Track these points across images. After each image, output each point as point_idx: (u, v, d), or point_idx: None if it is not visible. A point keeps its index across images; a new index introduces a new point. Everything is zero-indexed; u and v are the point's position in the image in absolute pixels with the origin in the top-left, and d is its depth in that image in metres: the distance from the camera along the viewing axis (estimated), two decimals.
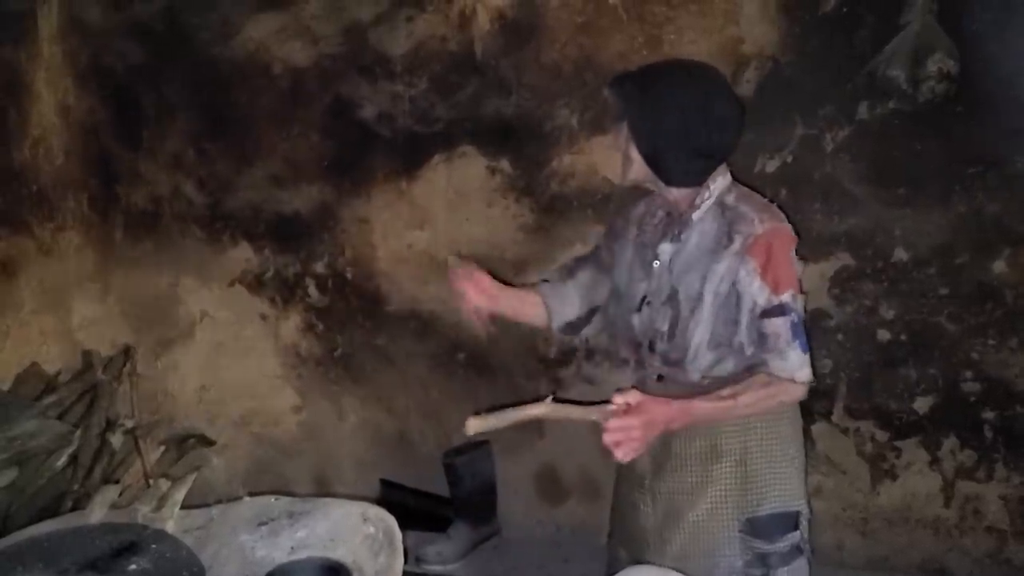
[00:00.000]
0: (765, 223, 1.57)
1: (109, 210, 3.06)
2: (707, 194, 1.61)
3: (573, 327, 1.83)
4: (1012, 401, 2.30)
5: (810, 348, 1.58)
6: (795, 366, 1.56)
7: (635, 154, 1.60)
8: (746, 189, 1.66)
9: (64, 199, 2.95)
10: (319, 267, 2.96)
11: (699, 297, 1.59)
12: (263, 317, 3.05)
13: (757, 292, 1.55)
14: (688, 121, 1.54)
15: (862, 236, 2.39)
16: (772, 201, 1.67)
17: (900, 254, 2.36)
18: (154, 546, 1.47)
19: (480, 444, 2.74)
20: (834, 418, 2.48)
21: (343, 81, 2.81)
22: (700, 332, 1.59)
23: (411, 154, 2.78)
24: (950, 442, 2.38)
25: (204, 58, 2.92)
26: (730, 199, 1.61)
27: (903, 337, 2.39)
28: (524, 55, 2.61)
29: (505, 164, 2.70)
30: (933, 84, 2.22)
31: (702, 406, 1.54)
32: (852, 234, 2.40)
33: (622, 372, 1.83)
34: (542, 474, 2.83)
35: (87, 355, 2.97)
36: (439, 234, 2.80)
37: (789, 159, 2.41)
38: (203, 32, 2.90)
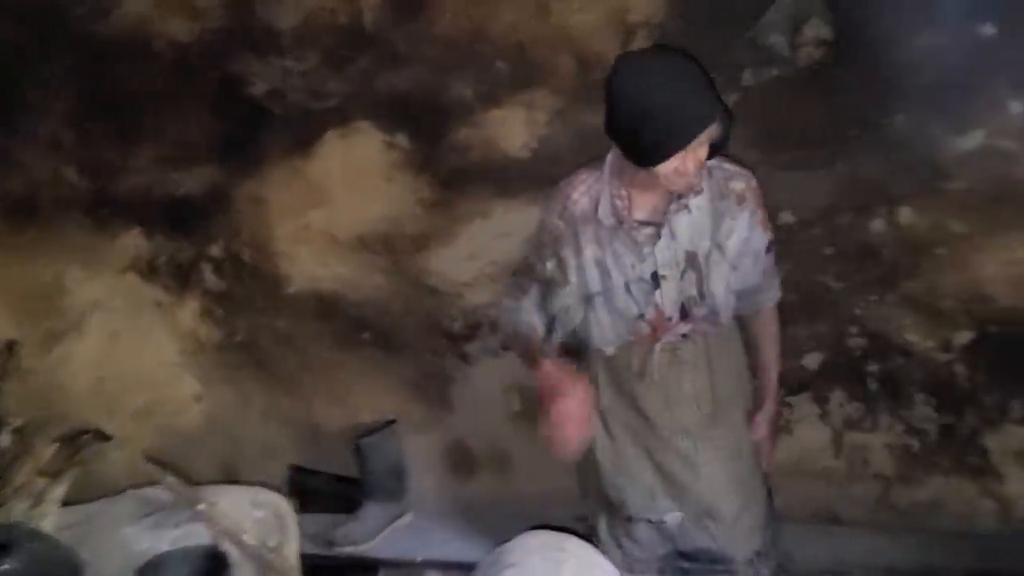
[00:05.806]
0: (748, 176, 1.84)
1: None
2: None
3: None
4: (893, 353, 2.41)
5: None
6: (779, 291, 2.01)
7: (704, 151, 1.70)
8: None
9: None
10: (214, 250, 2.86)
11: (711, 252, 1.79)
12: (158, 304, 2.94)
13: (760, 237, 1.85)
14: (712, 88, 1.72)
15: None
16: None
17: (787, 216, 2.42)
18: (28, 545, 1.40)
19: (387, 423, 2.72)
20: None
21: (230, 57, 2.70)
22: (721, 283, 1.81)
23: (304, 131, 2.70)
24: (838, 395, 2.48)
25: (80, 34, 2.77)
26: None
27: (793, 297, 2.45)
28: (416, 27, 2.56)
29: (402, 139, 2.65)
30: (811, 50, 2.27)
31: (772, 383, 2.05)
32: None
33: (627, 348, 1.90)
34: (452, 449, 2.83)
35: None
36: (337, 212, 2.74)
37: None
38: (78, 7, 2.75)
